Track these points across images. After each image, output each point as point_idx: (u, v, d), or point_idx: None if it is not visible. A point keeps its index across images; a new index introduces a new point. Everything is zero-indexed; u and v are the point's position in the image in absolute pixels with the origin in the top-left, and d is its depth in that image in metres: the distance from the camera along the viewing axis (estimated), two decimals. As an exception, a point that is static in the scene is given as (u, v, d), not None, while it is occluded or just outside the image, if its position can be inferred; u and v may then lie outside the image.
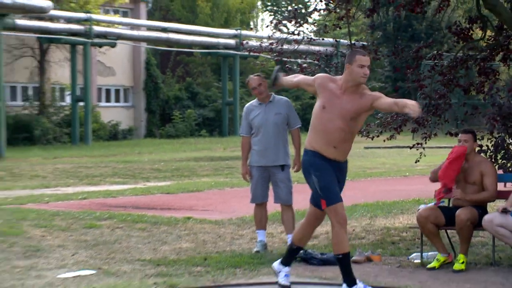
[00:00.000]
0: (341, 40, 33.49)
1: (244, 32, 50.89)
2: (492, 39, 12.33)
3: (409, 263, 9.84)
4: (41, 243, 11.15)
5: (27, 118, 41.79)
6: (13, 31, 37.46)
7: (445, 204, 9.90)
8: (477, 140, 10.20)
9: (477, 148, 10.76)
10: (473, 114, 12.68)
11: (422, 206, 10.17)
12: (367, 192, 17.63)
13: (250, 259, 9.92)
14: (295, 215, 10.84)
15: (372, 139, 12.89)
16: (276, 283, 8.46)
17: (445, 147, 14.00)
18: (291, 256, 8.57)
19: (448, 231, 10.18)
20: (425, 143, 12.53)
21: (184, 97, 51.08)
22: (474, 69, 12.53)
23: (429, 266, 9.51)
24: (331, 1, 12.40)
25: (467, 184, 9.69)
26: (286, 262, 8.49)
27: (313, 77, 8.45)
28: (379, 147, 29.96)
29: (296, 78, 8.72)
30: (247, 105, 10.86)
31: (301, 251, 10.11)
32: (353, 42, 14.00)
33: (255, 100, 10.73)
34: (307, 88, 8.57)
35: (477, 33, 12.67)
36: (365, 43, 15.03)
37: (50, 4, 34.86)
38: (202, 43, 48.97)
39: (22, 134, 40.61)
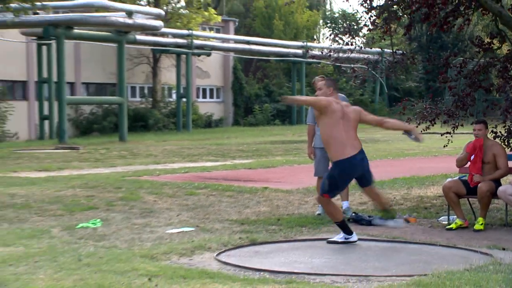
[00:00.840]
0: (385, 50, 33.30)
1: (309, 43, 50.77)
2: (509, 50, 12.03)
3: (438, 224, 9.73)
4: (153, 206, 11.27)
5: (143, 111, 42.27)
6: (134, 44, 37.88)
7: (466, 178, 9.78)
8: (493, 128, 10.06)
9: (491, 134, 10.71)
10: (492, 108, 12.49)
11: (448, 179, 10.10)
12: (404, 168, 17.42)
13: (313, 220, 9.89)
14: (349, 187, 10.75)
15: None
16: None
17: (467, 133, 13.78)
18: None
19: (470, 199, 10.08)
20: (453, 132, 12.33)
21: (262, 94, 51.15)
22: (493, 74, 12.28)
23: (447, 227, 9.41)
24: (377, 20, 12.23)
25: (483, 164, 9.57)
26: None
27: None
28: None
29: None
30: None
31: (353, 214, 10.06)
32: (394, 51, 13.81)
33: None
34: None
35: (496, 44, 12.36)
36: (403, 51, 14.79)
37: (162, 23, 35.16)
38: (276, 52, 49.07)
39: (139, 123, 41.09)
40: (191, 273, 6.59)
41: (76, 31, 32.37)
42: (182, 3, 45.65)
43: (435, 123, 12.06)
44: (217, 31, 50.44)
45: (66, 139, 30.93)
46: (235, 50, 47.47)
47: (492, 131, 11.28)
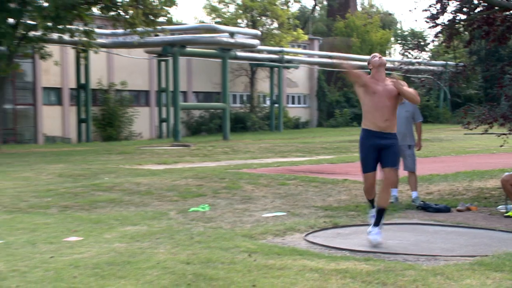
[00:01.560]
0: (449, 62, 32.46)
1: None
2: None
3: (497, 212, 9.36)
4: (251, 194, 11.30)
5: (242, 115, 42.64)
6: (235, 59, 38.26)
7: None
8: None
9: None
10: None
11: (506, 173, 9.73)
12: (466, 163, 16.90)
13: (388, 206, 9.68)
14: (417, 179, 10.52)
15: (472, 130, 12.29)
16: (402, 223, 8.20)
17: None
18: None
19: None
20: (509, 133, 11.90)
21: (342, 101, 50.70)
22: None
23: (505, 214, 9.05)
24: (440, 33, 11.94)
25: None
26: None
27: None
28: (474, 133, 28.87)
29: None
30: None
31: (421, 202, 9.81)
32: (457, 63, 13.43)
33: None
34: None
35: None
36: (465, 64, 14.36)
37: (258, 42, 35.40)
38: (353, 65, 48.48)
39: (239, 125, 41.48)
40: (284, 250, 6.57)
41: (188, 49, 32.93)
42: (275, 24, 45.77)
43: (492, 126, 11.66)
44: (304, 47, 50.34)
45: (180, 138, 31.51)
46: (319, 64, 47.26)
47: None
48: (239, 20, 45.29)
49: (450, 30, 11.44)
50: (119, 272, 5.67)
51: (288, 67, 43.63)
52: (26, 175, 14.46)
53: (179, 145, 26.95)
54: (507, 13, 11.33)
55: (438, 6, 11.40)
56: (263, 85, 45.68)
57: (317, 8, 67.53)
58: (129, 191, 11.46)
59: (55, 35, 26.51)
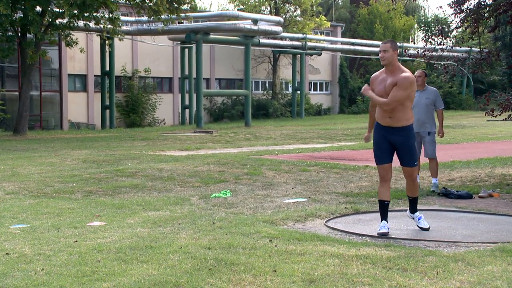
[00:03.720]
0: (473, 48, 32.02)
1: (405, 44, 49.50)
2: None
3: (519, 200, 9.24)
4: (273, 180, 11.29)
5: (264, 101, 42.57)
6: (258, 46, 38.15)
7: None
8: None
9: None
10: None
11: None
12: (488, 150, 16.71)
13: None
14: (439, 165, 10.42)
15: (496, 117, 12.12)
16: (426, 210, 8.12)
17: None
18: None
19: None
20: None
21: (364, 87, 50.52)
22: None
23: None
24: (466, 22, 11.75)
25: None
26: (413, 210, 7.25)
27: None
28: (497, 120, 28.55)
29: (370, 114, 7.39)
30: None
31: (443, 189, 9.72)
32: (481, 49, 13.22)
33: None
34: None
35: None
36: (489, 50, 14.15)
37: (281, 29, 35.20)
38: (376, 52, 48.09)
39: (261, 111, 41.42)
40: (305, 236, 6.56)
41: (212, 36, 32.89)
42: (298, 11, 45.53)
43: None
44: (327, 34, 50.04)
45: (202, 125, 31.57)
46: (342, 50, 46.95)
47: None
48: (262, 7, 45.11)
49: (475, 16, 11.27)
50: (142, 256, 5.70)
51: (310, 54, 43.43)
52: (51, 160, 14.60)
53: (201, 132, 27.01)
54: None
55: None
56: (285, 72, 45.55)
57: (340, -6, 67.01)
58: (152, 177, 11.52)
59: (81, 23, 26.66)
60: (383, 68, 7.10)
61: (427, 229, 7.01)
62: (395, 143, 6.94)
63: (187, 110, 36.60)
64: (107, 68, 33.80)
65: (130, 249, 5.98)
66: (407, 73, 6.91)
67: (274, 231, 6.81)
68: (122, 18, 29.77)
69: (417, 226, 7.13)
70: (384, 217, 6.95)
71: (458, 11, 11.47)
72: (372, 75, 7.23)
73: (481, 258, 5.55)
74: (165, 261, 5.52)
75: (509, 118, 11.57)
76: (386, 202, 7.00)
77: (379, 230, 6.86)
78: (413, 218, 7.24)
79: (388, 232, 6.82)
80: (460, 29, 12.49)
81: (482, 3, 11.21)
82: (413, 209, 7.24)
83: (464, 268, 5.27)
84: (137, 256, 5.71)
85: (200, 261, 5.48)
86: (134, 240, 6.39)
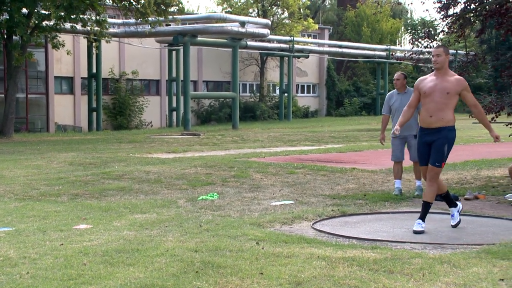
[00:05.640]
0: (459, 51, 32.17)
1: (392, 47, 49.75)
2: None
3: (504, 201, 9.30)
4: (260, 183, 11.28)
5: (252, 104, 42.59)
6: (245, 48, 38.17)
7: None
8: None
9: None
10: None
11: None
12: (475, 152, 16.82)
13: (395, 196, 9.66)
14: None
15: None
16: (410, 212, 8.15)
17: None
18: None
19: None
20: None
21: (351, 90, 50.60)
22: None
23: None
24: (452, 26, 11.81)
25: None
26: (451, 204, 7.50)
27: (413, 89, 7.47)
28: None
29: (405, 113, 7.56)
30: (388, 93, 10.47)
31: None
32: (467, 52, 13.31)
33: (394, 90, 10.32)
34: (415, 100, 7.43)
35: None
36: (475, 53, 14.25)
37: (268, 31, 35.23)
38: (363, 54, 48.34)
39: (249, 114, 41.44)
40: (291, 238, 6.57)
41: (199, 38, 32.86)
42: (286, 14, 45.62)
43: (499, 115, 11.57)
44: (314, 37, 50.14)
45: (190, 127, 31.53)
46: (329, 53, 47.08)
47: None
48: (250, 10, 45.14)
49: (461, 20, 11.34)
50: (128, 259, 5.68)
51: (298, 56, 43.52)
52: (38, 163, 14.52)
53: (188, 134, 26.97)
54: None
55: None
56: (272, 74, 45.60)
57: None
58: (138, 180, 11.48)
59: (67, 25, 26.52)
60: (432, 72, 7.36)
61: (419, 232, 7.02)
62: (430, 142, 7.18)
63: (174, 113, 36.53)
64: (94, 71, 33.67)
65: (117, 252, 5.95)
66: (456, 75, 7.28)
67: (261, 233, 6.81)
68: (109, 20, 29.68)
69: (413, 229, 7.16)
70: (422, 216, 7.15)
71: (445, 15, 11.54)
72: (419, 78, 7.52)
73: (467, 260, 5.57)
74: (152, 264, 5.50)
75: (493, 121, 11.65)
76: (430, 204, 7.18)
77: (415, 228, 7.04)
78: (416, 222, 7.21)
79: (423, 231, 7.04)
80: (446, 32, 12.54)
81: (468, 7, 11.28)
82: (422, 216, 7.20)
83: (450, 270, 5.29)
84: (123, 259, 5.69)
85: (187, 264, 5.47)
86: (121, 243, 6.37)
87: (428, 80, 7.29)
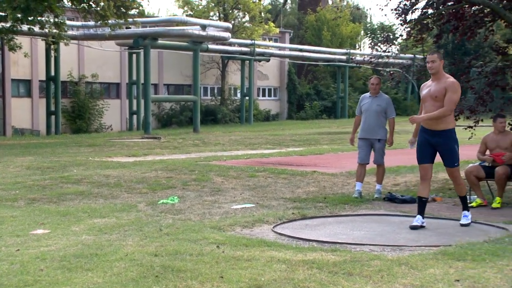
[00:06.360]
0: (417, 55, 32.78)
1: (352, 50, 50.27)
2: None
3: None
4: (221, 186, 11.28)
5: (213, 107, 42.50)
6: (206, 52, 38.09)
7: (486, 164, 9.54)
8: (510, 122, 9.84)
9: (508, 127, 10.47)
10: (508, 105, 12.15)
11: (470, 165, 9.87)
12: (432, 156, 17.08)
13: (354, 199, 9.76)
14: (386, 171, 10.60)
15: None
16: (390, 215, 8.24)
17: (487, 126, 13.35)
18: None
19: (489, 182, 9.91)
20: (475, 125, 12.07)
21: (312, 93, 50.88)
22: (509, 74, 11.94)
23: (469, 205, 9.16)
24: (411, 31, 12.00)
25: (502, 148, 9.50)
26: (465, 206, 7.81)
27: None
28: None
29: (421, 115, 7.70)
30: (362, 95, 10.56)
31: (388, 194, 9.88)
32: (424, 56, 13.53)
33: (368, 92, 10.39)
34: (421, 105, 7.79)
35: (511, 49, 12.04)
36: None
37: (229, 35, 35.22)
38: (324, 58, 48.75)
39: (210, 117, 41.33)
40: (252, 242, 6.57)
41: (160, 41, 32.68)
42: (247, 18, 45.71)
43: (458, 118, 11.80)
44: (275, 41, 50.33)
45: (150, 131, 31.30)
46: (290, 57, 47.31)
47: (508, 124, 10.99)
48: (211, 13, 45.05)
49: (419, 25, 11.52)
50: (87, 264, 5.61)
51: (259, 60, 43.59)
52: (-6, 167, 14.23)
53: (149, 138, 26.77)
54: (475, 8, 11.46)
55: (408, 3, 11.48)
56: (234, 77, 45.60)
57: (289, 1, 67.52)
58: (98, 184, 11.35)
59: (25, 27, 26.04)
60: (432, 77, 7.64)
61: (466, 225, 7.55)
62: (436, 145, 7.51)
63: (135, 116, 36.22)
64: (53, 73, 33.16)
65: (75, 257, 5.87)
66: (452, 78, 7.55)
67: (221, 237, 6.80)
68: (68, 22, 29.27)
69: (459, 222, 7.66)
70: (420, 212, 7.57)
71: (403, 21, 11.71)
72: (422, 85, 7.85)
73: (424, 262, 5.66)
74: (111, 269, 5.44)
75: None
76: (424, 199, 7.62)
77: (413, 223, 7.48)
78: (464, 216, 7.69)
79: (420, 226, 7.44)
80: (405, 37, 12.73)
81: (425, 12, 11.47)
82: (464, 207, 7.72)
83: (408, 271, 5.36)
84: (81, 264, 5.62)
85: (146, 268, 5.43)
86: (79, 248, 6.28)
87: (426, 85, 7.67)
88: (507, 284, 4.96)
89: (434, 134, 7.47)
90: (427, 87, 7.60)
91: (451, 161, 7.55)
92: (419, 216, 7.57)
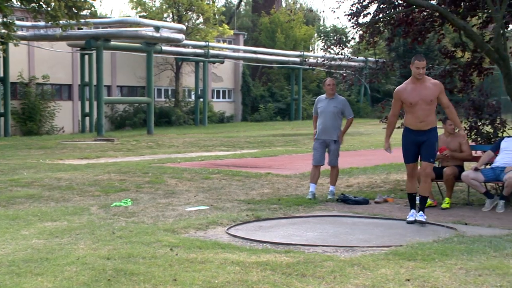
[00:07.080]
0: (369, 58, 33.25)
1: (306, 53, 50.58)
2: (470, 58, 11.98)
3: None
4: (175, 188, 11.22)
5: (167, 109, 42.21)
6: (160, 53, 37.82)
7: (436, 164, 9.72)
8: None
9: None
10: (456, 107, 12.38)
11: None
12: (384, 157, 17.21)
13: (308, 200, 9.83)
14: (339, 173, 10.71)
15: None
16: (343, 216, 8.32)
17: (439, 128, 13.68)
18: (416, 202, 8.12)
19: (438, 182, 10.07)
20: None
21: (266, 95, 51.04)
22: (456, 77, 12.20)
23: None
24: (363, 34, 12.15)
25: (451, 150, 9.69)
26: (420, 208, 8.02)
27: (394, 99, 8.01)
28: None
29: (391, 124, 8.33)
30: (319, 96, 10.64)
31: (341, 195, 9.98)
32: (376, 59, 13.71)
33: (324, 94, 10.46)
34: (398, 108, 8.08)
35: (459, 53, 12.31)
36: (384, 60, 14.71)
37: (183, 36, 35.06)
38: (278, 60, 48.92)
39: (164, 119, 41.04)
40: (206, 244, 6.56)
41: (113, 43, 32.30)
42: (201, 19, 45.56)
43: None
44: (229, 42, 50.33)
45: (103, 133, 30.90)
46: (244, 59, 47.35)
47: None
48: (165, 15, 44.75)
49: (371, 28, 11.68)
50: (36, 269, 5.50)
51: (213, 62, 43.51)
52: None
53: (102, 140, 26.43)
54: (425, 13, 11.68)
55: (359, 6, 11.62)
56: (188, 79, 45.40)
57: (243, 3, 67.62)
58: (49, 187, 11.16)
59: (-28, 26, 25.44)
60: (408, 80, 7.96)
61: (413, 222, 7.83)
62: (421, 143, 7.87)
63: (87, 118, 35.70)
64: (2, 74, 32.44)
65: (24, 261, 5.75)
66: (435, 80, 8.03)
67: (175, 239, 6.76)
68: (18, 22, 28.68)
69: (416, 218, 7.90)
70: (412, 207, 8.03)
71: (355, 23, 11.84)
72: (398, 89, 8.01)
73: (376, 262, 5.74)
74: (62, 273, 5.35)
75: (401, 126, 12.07)
76: (414, 194, 8.08)
77: (408, 218, 7.89)
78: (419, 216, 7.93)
79: (415, 220, 7.83)
80: (357, 39, 12.89)
81: (376, 16, 11.64)
82: (421, 208, 7.95)
83: (360, 272, 5.43)
84: (31, 268, 5.51)
85: (99, 272, 5.36)
86: (29, 252, 6.16)
87: (409, 89, 7.85)
88: (455, 283, 5.07)
89: (421, 133, 7.84)
90: (413, 91, 7.79)
91: (429, 155, 7.89)
92: (413, 211, 7.96)
